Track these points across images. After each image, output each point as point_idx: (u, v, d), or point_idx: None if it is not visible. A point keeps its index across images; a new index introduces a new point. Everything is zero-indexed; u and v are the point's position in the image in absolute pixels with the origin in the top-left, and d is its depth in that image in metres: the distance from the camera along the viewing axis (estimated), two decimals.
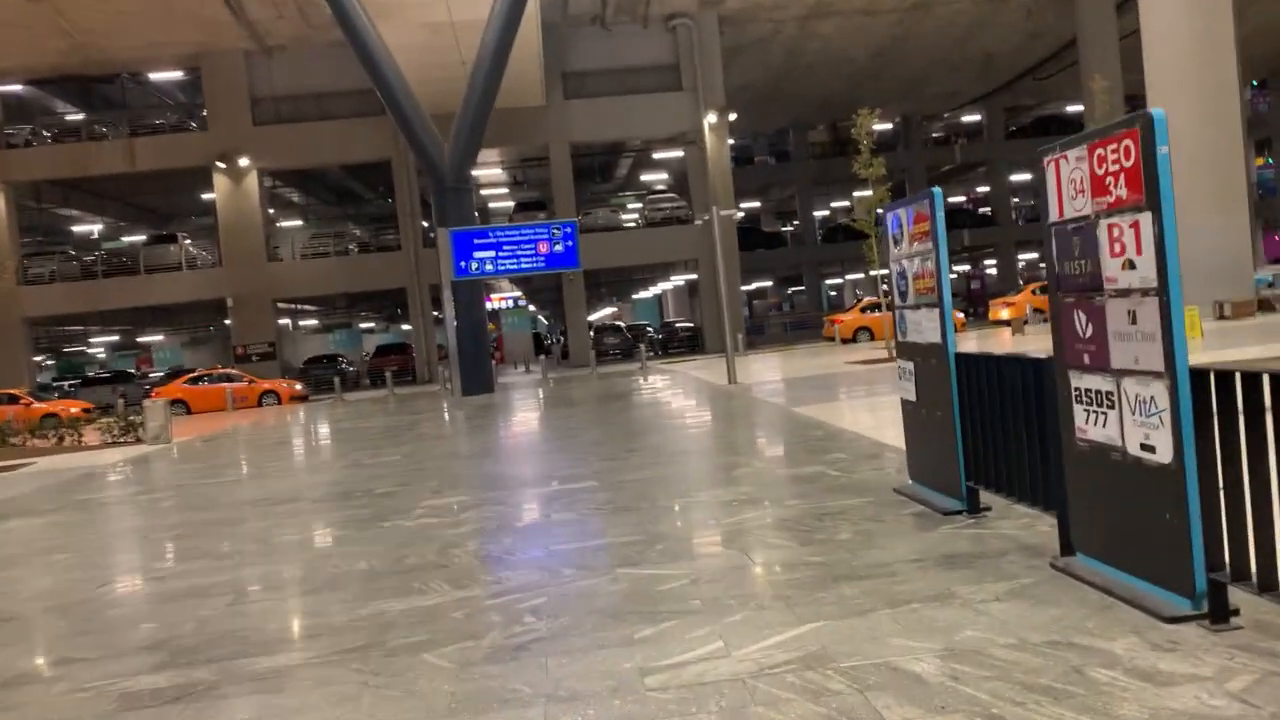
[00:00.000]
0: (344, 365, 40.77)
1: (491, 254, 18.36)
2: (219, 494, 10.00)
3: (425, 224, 34.78)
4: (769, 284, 65.21)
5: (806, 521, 6.00)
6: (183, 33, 32.81)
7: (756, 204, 60.07)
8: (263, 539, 7.24)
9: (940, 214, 5.83)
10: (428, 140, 22.34)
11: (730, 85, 36.76)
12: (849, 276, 65.38)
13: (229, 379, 30.21)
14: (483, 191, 43.16)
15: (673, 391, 18.31)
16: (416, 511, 7.69)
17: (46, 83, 35.66)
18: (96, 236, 43.49)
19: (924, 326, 6.09)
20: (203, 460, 14.07)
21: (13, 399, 28.31)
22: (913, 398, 6.38)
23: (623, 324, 48.64)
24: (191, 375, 31.48)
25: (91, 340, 49.91)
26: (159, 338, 49.56)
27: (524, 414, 17.24)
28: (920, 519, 5.79)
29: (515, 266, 18.49)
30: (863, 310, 31.77)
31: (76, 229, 43.25)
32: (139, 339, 50.44)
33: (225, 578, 6.02)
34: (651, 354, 35.61)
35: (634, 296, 59.30)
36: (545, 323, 69.66)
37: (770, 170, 58.76)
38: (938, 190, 5.86)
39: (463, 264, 18.41)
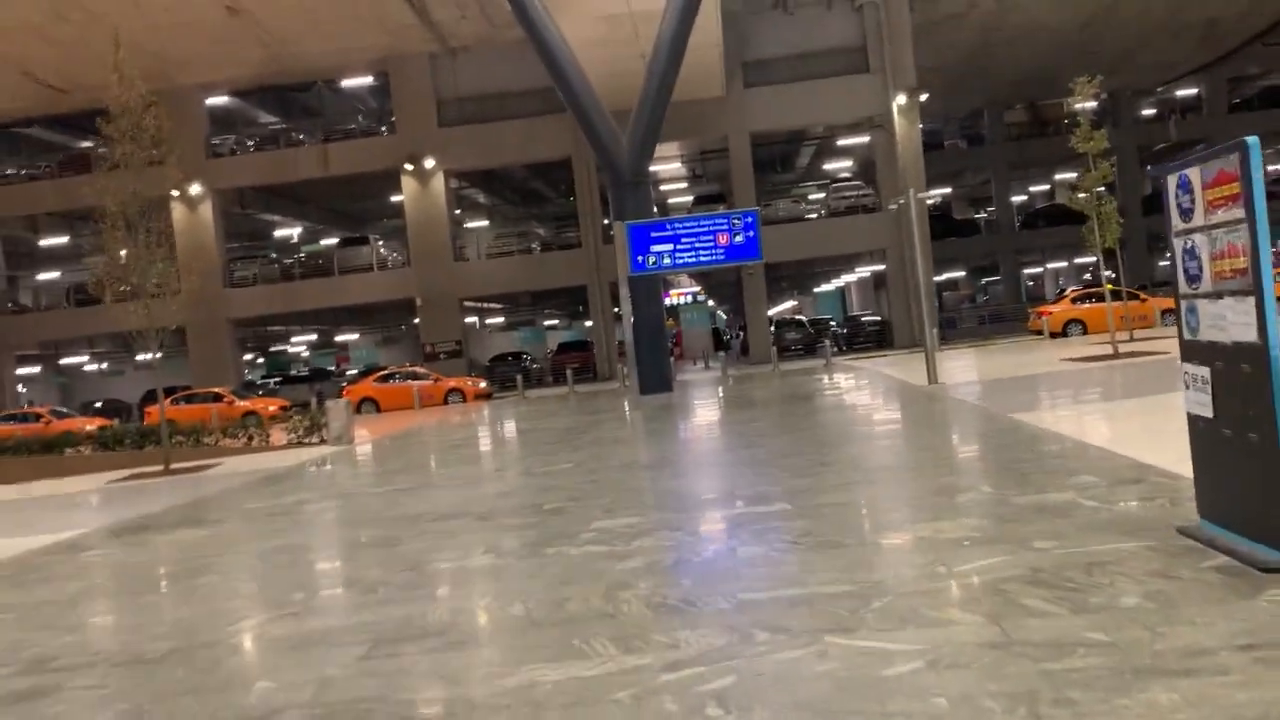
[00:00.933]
0: (528, 363, 41.08)
1: (669, 247, 17.44)
2: (383, 506, 9.43)
3: (605, 222, 34.37)
4: (961, 274, 61.74)
5: (1070, 574, 4.65)
6: (371, 37, 33.60)
7: (947, 190, 56.97)
8: (416, 565, 6.48)
9: (1257, 172, 4.37)
10: (606, 135, 21.66)
11: (919, 67, 34.56)
12: (1050, 265, 61.19)
13: (416, 377, 30.65)
14: (661, 186, 42.49)
15: (864, 392, 16.87)
16: (584, 536, 6.76)
17: (248, 94, 37.37)
18: (295, 240, 45.50)
19: (1228, 321, 4.63)
20: (377, 465, 13.76)
21: (217, 397, 29.65)
22: (1208, 413, 4.90)
23: (804, 318, 47.01)
24: (381, 374, 32.19)
25: (293, 340, 52.43)
26: (354, 337, 51.58)
27: (703, 416, 16.22)
28: (1231, 576, 4.35)
29: (694, 260, 17.51)
30: (1074, 301, 29.07)
31: (277, 233, 45.36)
32: (336, 338, 52.69)
33: (366, 618, 5.24)
34: (836, 349, 33.94)
35: (816, 290, 57.39)
36: (724, 318, 68.58)
37: (962, 155, 55.45)
38: (1253, 140, 4.40)
39: (639, 258, 17.58)
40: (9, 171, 38.16)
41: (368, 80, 37.32)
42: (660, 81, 21.14)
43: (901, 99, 34.05)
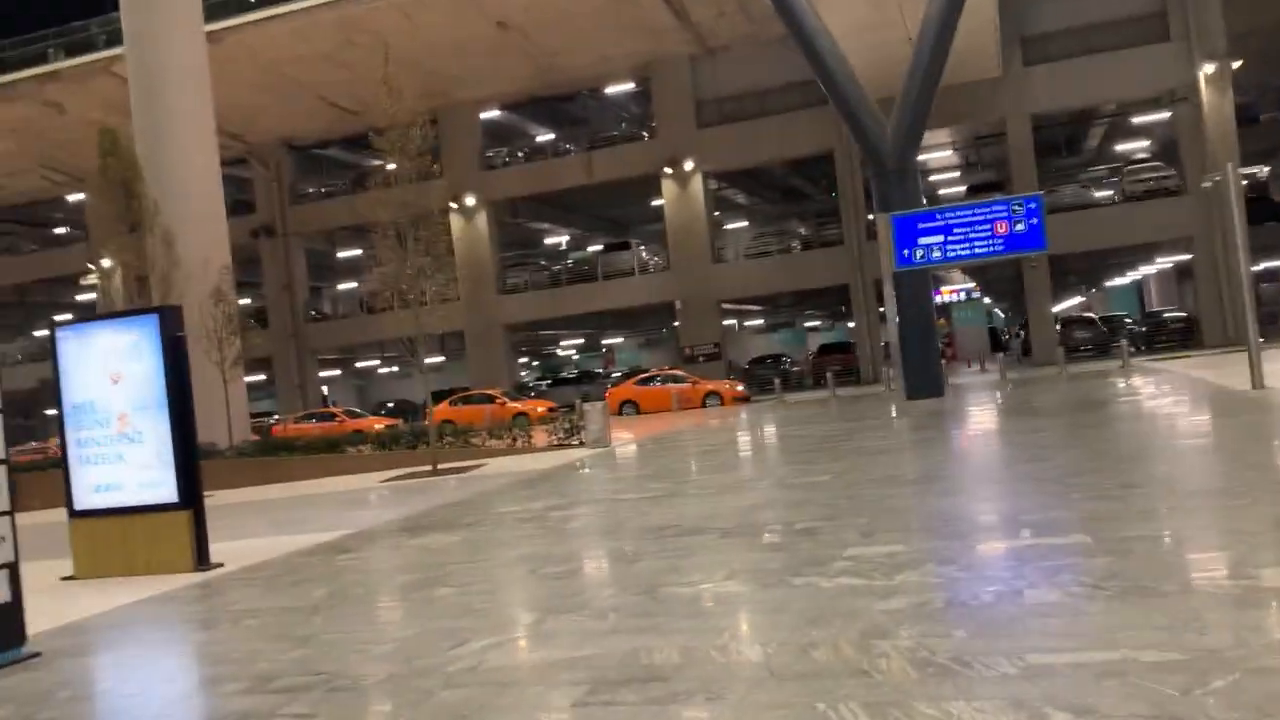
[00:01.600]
0: (787, 365, 40.20)
1: (939, 239, 16.07)
2: (629, 515, 9.01)
3: (869, 217, 32.91)
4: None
5: None
6: (632, 43, 34.03)
7: (1263, 169, 50.34)
8: (649, 588, 5.91)
9: None
10: (868, 123, 20.49)
11: (1229, 33, 30.56)
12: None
13: (674, 380, 30.62)
14: (931, 176, 40.30)
15: (1171, 398, 14.76)
16: (838, 564, 5.94)
17: (518, 106, 38.94)
18: (564, 247, 47.02)
19: None
20: (630, 470, 13.48)
21: (489, 399, 30.93)
22: None
23: (1093, 315, 43.05)
24: (641, 376, 32.46)
25: (562, 343, 54.35)
26: (619, 340, 52.72)
27: (979, 424, 14.77)
28: None
29: (968, 252, 16.03)
30: None
31: (547, 241, 47.07)
32: (602, 342, 54.10)
33: (589, 651, 4.71)
34: (1134, 350, 30.65)
35: (1107, 284, 52.51)
36: (1001, 316, 64.30)
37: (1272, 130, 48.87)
38: None
39: (906, 252, 16.33)
40: (310, 190, 41.83)
41: (629, 86, 37.87)
42: (928, 62, 19.70)
43: (1209, 68, 30.33)
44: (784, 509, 8.41)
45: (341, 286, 48.43)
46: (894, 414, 16.98)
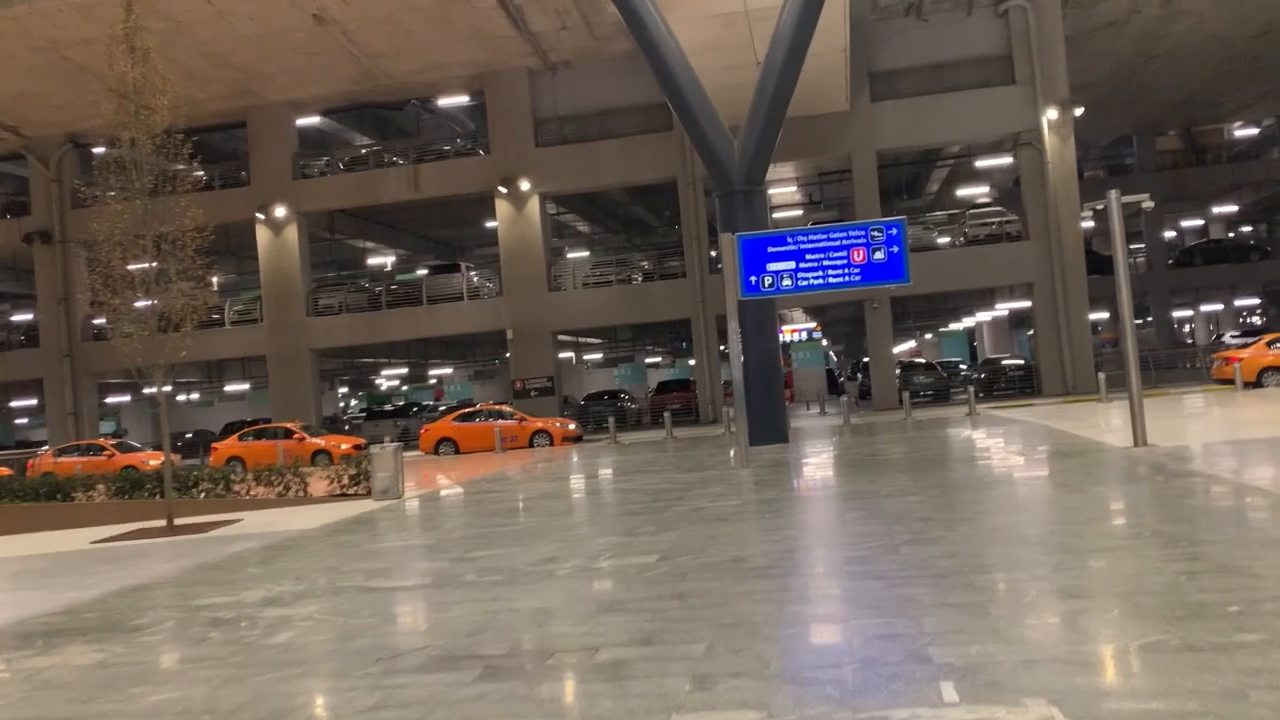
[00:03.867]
0: (626, 402, 38.00)
1: (790, 265, 14.02)
2: (367, 621, 6.28)
3: (713, 253, 31.16)
4: (1104, 315, 56.38)
5: None
6: (467, 52, 31.34)
7: (1089, 224, 51.94)
8: None
9: None
10: (715, 137, 18.49)
11: (1070, 82, 30.53)
12: (1205, 308, 55.38)
13: (500, 416, 27.83)
14: (775, 214, 39.11)
15: (1050, 456, 13.05)
16: None
17: (341, 112, 35.54)
18: (389, 269, 43.55)
19: None
20: (405, 536, 10.66)
21: (287, 433, 27.32)
22: None
23: (926, 360, 42.76)
24: (461, 411, 29.50)
25: (384, 373, 50.56)
26: (448, 371, 49.36)
27: (834, 482, 12.66)
28: None
29: (821, 282, 14.03)
30: (1271, 345, 24.41)
31: (371, 261, 43.51)
32: (431, 372, 50.61)
33: None
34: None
35: (942, 330, 52.84)
36: (834, 358, 64.19)
37: (1104, 185, 50.47)
38: None
39: (753, 279, 14.20)
40: (97, 194, 37.07)
41: (464, 100, 35.05)
42: (780, 71, 17.90)
43: (1053, 112, 30.04)
44: (586, 618, 5.87)
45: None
46: (736, 464, 14.78)
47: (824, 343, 52.97)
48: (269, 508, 14.57)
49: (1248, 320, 58.49)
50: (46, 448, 31.43)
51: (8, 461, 29.48)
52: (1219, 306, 55.53)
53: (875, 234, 13.93)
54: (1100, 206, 12.94)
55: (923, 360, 41.10)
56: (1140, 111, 42.80)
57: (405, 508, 13.24)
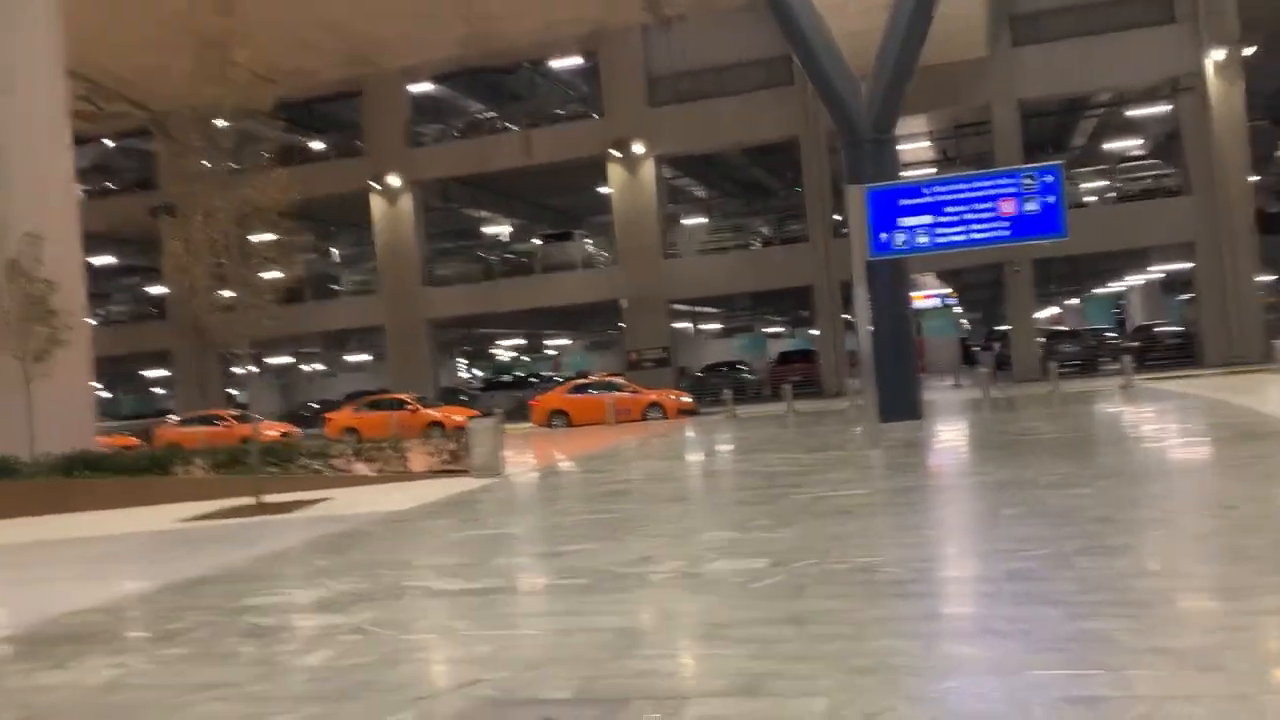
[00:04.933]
0: (744, 373, 36.64)
1: (926, 220, 12.42)
2: (426, 636, 5.24)
3: (838, 216, 29.38)
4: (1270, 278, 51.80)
5: None
6: (578, 8, 30.26)
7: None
8: None
9: None
10: (840, 80, 16.87)
11: (1242, 17, 27.39)
12: None
13: (614, 388, 26.86)
14: (903, 171, 36.84)
15: (1230, 436, 11.18)
16: None
17: (453, 78, 34.93)
18: (505, 238, 43.05)
19: None
20: (494, 524, 9.66)
21: (399, 404, 26.98)
22: None
23: (1069, 329, 39.88)
24: (575, 383, 28.67)
25: (500, 343, 50.34)
26: (565, 342, 48.81)
27: (980, 468, 11.11)
28: None
29: (963, 238, 12.39)
30: None
31: (487, 230, 43.09)
32: (548, 343, 50.17)
33: None
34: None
35: (1086, 295, 49.38)
36: (967, 327, 61.00)
37: (1265, 136, 45.99)
38: None
39: (883, 236, 12.66)
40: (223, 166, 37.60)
41: (576, 60, 33.99)
42: (913, 9, 16.10)
43: (1219, 53, 27.07)
44: (679, 647, 4.69)
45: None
46: (864, 443, 13.33)
47: (957, 310, 50.23)
48: (366, 484, 13.89)
49: None
50: (172, 418, 32.05)
51: (137, 430, 30.18)
52: None
53: (1027, 182, 12.18)
54: None
55: (1067, 328, 38.28)
56: None
57: (501, 488, 12.30)
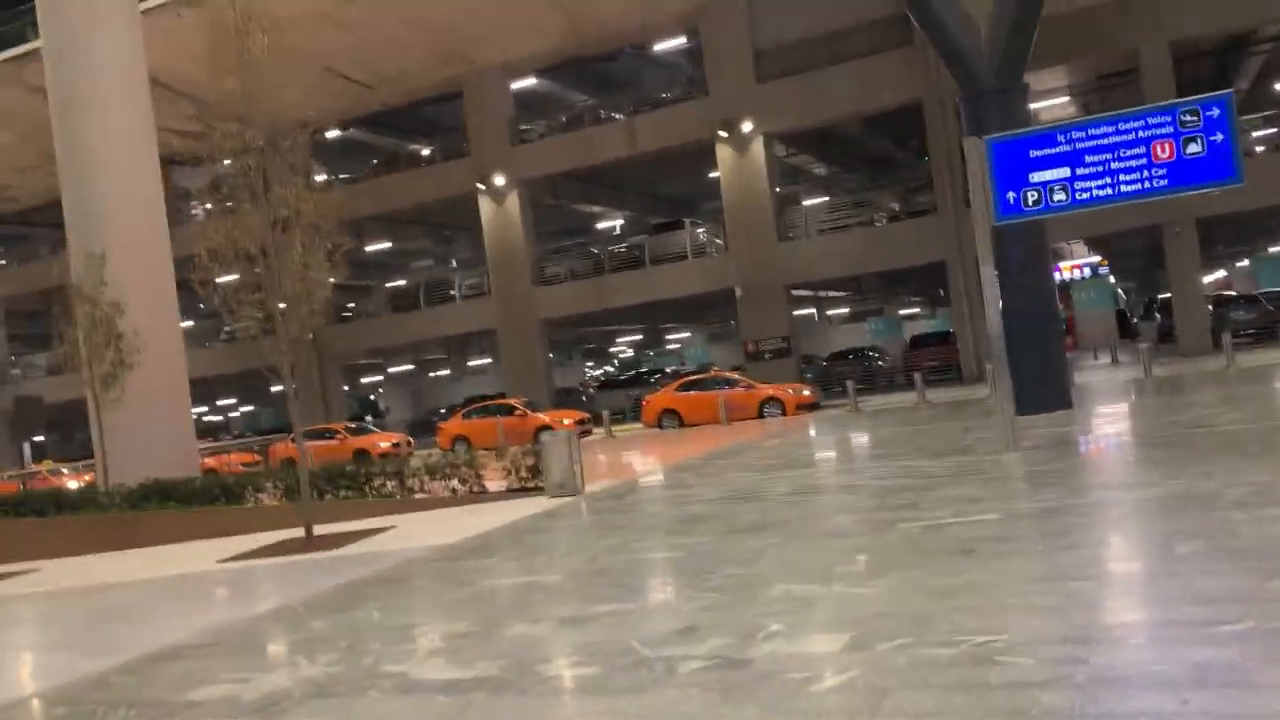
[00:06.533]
0: (876, 360, 34.34)
1: (1063, 173, 10.27)
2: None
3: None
4: None
5: None
6: None
7: None
8: None
9: None
10: (953, 24, 14.70)
11: None
12: None
13: (728, 383, 25.15)
14: None
15: None
16: None
17: (555, 70, 33.79)
18: (618, 231, 41.80)
19: None
20: (538, 566, 8.17)
21: (507, 410, 25.99)
22: None
23: (1240, 293, 35.78)
24: (685, 380, 27.07)
25: (620, 339, 49.15)
26: (685, 335, 47.23)
27: (1144, 476, 9.00)
28: None
29: (1110, 192, 10.18)
30: None
31: (600, 225, 41.92)
32: (668, 336, 48.70)
33: None
34: None
35: (1265, 253, 44.52)
36: (1124, 296, 56.27)
37: None
38: None
39: (1011, 196, 10.57)
40: (329, 178, 37.60)
41: (679, 41, 32.34)
42: None
43: None
44: None
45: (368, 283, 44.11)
46: (997, 444, 11.28)
47: (1111, 279, 46.20)
48: (441, 507, 12.68)
49: None
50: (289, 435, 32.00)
51: (259, 448, 30.18)
52: None
53: (1187, 118, 9.89)
54: None
55: (1241, 294, 34.31)
56: None
57: (569, 512, 10.83)
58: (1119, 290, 52.46)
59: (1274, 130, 28.06)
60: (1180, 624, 4.40)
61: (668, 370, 43.22)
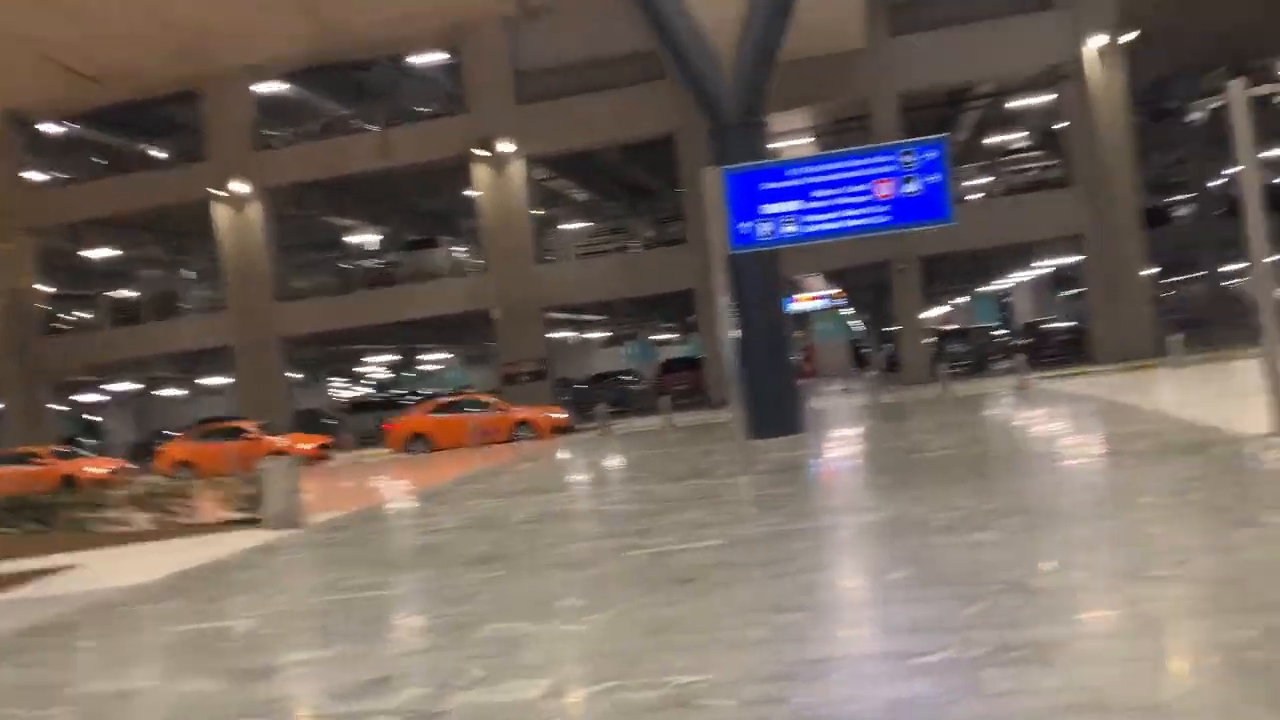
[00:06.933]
0: (630, 384, 34.81)
1: (794, 205, 10.63)
2: None
3: None
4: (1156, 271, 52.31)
5: None
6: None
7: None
8: None
9: None
10: (700, 58, 15.04)
11: (1121, 4, 26.67)
12: (1265, 259, 51.09)
13: (480, 406, 24.60)
14: None
15: (1150, 449, 9.61)
16: None
17: (304, 75, 32.15)
18: (373, 247, 40.28)
19: None
20: (239, 606, 7.40)
21: (237, 433, 24.22)
22: None
23: (959, 327, 39.13)
24: (438, 403, 26.27)
25: (370, 359, 47.41)
26: (443, 356, 46.19)
27: (864, 499, 9.34)
28: None
29: (836, 225, 10.62)
30: None
31: (352, 240, 40.25)
32: (423, 358, 47.46)
33: None
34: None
35: (979, 291, 48.95)
36: (860, 328, 60.26)
37: (1139, 132, 46.33)
38: None
39: (744, 226, 10.82)
40: (42, 177, 34.02)
41: (438, 56, 31.60)
42: None
43: (1099, 40, 26.30)
44: None
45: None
46: (731, 468, 11.48)
47: (850, 310, 49.29)
48: (143, 541, 11.40)
49: None
50: None
51: None
52: (1276, 258, 51.39)
53: (906, 159, 10.48)
54: (1219, 103, 9.51)
55: (958, 327, 37.46)
56: (1184, 50, 38.43)
57: (286, 546, 9.99)
58: (856, 322, 56.15)
59: (989, 179, 30.86)
60: (882, 657, 4.39)
61: (421, 393, 42.04)
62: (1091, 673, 3.78)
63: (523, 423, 23.56)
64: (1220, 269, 46.79)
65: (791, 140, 32.03)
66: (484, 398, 25.74)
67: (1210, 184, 45.03)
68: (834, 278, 37.78)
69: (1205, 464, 8.17)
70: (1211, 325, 34.76)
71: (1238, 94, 9.07)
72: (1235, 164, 9.53)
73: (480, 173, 30.14)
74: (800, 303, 37.71)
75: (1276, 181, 51.38)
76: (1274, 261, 9.58)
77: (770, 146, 29.99)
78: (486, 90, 30.08)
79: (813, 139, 33.20)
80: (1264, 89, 9.61)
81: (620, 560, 7.09)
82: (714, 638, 4.88)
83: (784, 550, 6.77)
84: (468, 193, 31.79)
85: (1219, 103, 9.60)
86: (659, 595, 5.87)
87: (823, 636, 4.83)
